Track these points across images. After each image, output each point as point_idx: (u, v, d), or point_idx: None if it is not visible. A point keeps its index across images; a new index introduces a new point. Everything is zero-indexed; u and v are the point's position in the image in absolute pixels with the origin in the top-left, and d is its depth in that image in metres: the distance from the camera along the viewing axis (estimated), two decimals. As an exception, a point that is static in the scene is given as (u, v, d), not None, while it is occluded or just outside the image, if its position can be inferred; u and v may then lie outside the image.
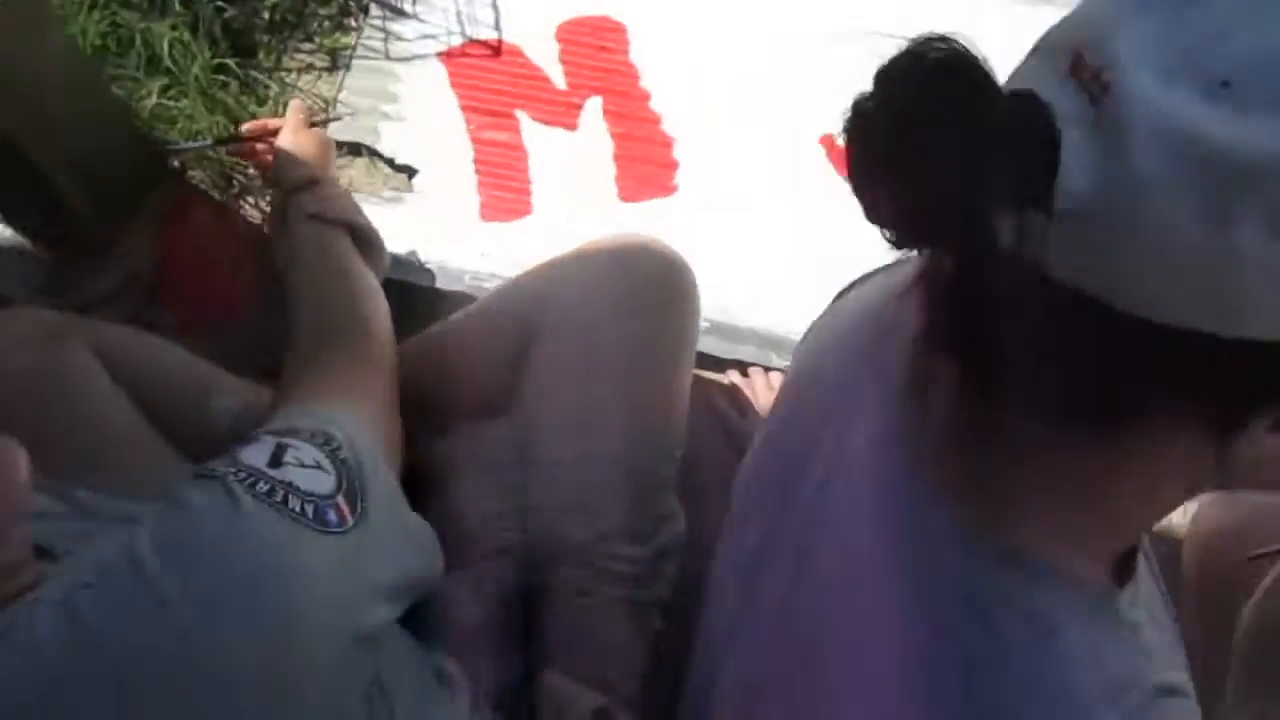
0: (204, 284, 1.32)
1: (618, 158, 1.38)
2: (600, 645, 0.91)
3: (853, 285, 0.76)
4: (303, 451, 0.64)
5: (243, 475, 0.60)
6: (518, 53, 1.45)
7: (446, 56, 1.44)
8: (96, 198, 1.25)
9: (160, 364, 1.05)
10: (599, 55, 1.45)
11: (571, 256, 1.03)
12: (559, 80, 1.43)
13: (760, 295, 1.29)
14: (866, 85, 0.43)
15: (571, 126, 1.40)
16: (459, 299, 1.25)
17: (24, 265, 1.33)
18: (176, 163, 1.36)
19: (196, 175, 1.37)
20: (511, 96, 1.42)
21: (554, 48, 1.45)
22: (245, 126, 1.13)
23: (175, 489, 0.61)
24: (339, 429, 0.68)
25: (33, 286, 1.32)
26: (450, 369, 1.06)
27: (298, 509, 0.59)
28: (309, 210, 0.95)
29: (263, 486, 0.59)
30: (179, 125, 1.31)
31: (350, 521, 0.61)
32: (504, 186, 1.35)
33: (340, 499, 0.62)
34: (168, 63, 1.29)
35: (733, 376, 1.28)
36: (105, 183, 1.26)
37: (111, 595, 0.54)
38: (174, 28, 1.32)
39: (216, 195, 1.36)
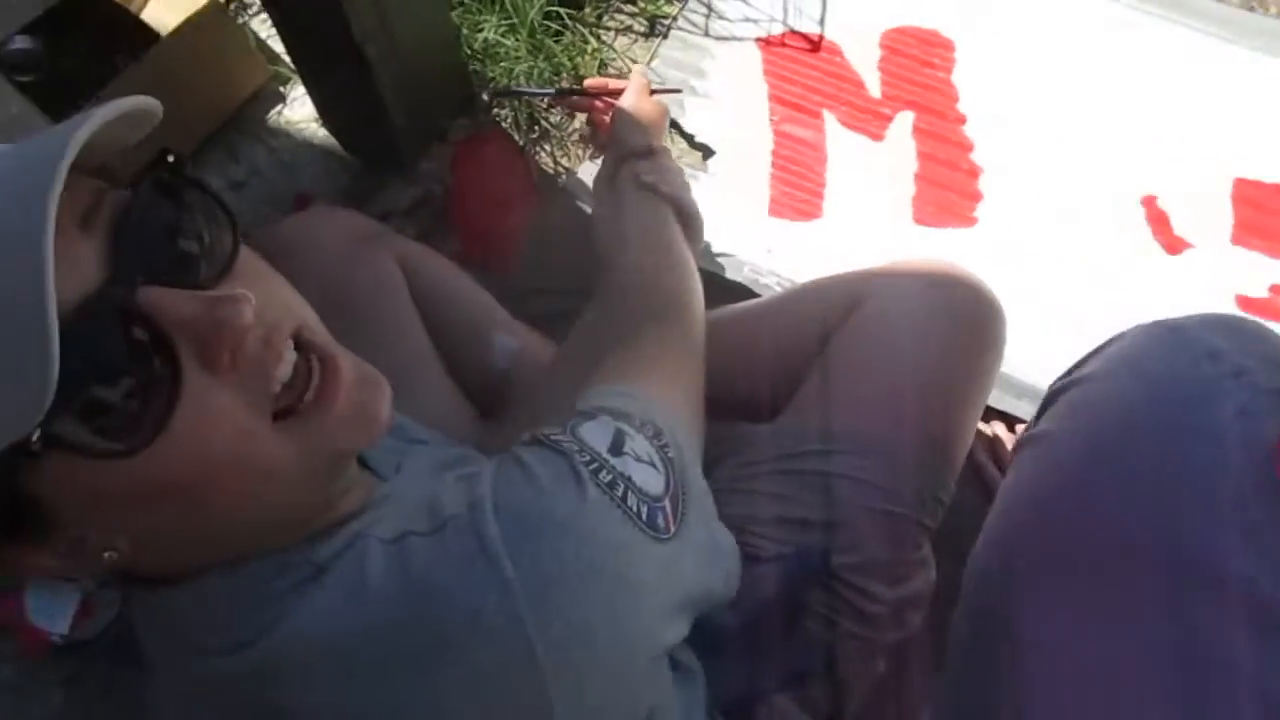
0: (488, 218, 1.35)
1: (919, 178, 1.32)
2: (835, 682, 0.87)
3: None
4: (637, 443, 0.61)
5: (588, 459, 0.57)
6: (836, 51, 1.40)
7: (764, 43, 1.41)
8: (414, 117, 1.30)
9: (454, 289, 1.07)
10: (920, 69, 1.39)
11: (887, 270, 0.98)
12: (874, 87, 1.38)
13: (1045, 354, 1.20)
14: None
15: (878, 137, 1.35)
16: (739, 291, 1.23)
17: (332, 168, 1.40)
18: (485, 96, 1.40)
19: (502, 113, 1.40)
20: (822, 95, 1.38)
21: (875, 53, 1.40)
22: (588, 82, 1.11)
23: (517, 451, 0.59)
24: (662, 420, 0.65)
25: (337, 189, 1.38)
26: (732, 362, 1.04)
27: (634, 509, 0.56)
28: (644, 178, 0.94)
29: (605, 476, 0.56)
30: (503, 63, 1.34)
31: (673, 529, 0.58)
32: (798, 185, 1.32)
33: (667, 503, 0.59)
34: (506, 2, 1.32)
35: (997, 429, 1.21)
36: (425, 105, 1.30)
37: (448, 551, 0.52)
38: (519, -32, 1.35)
39: (516, 135, 1.38)
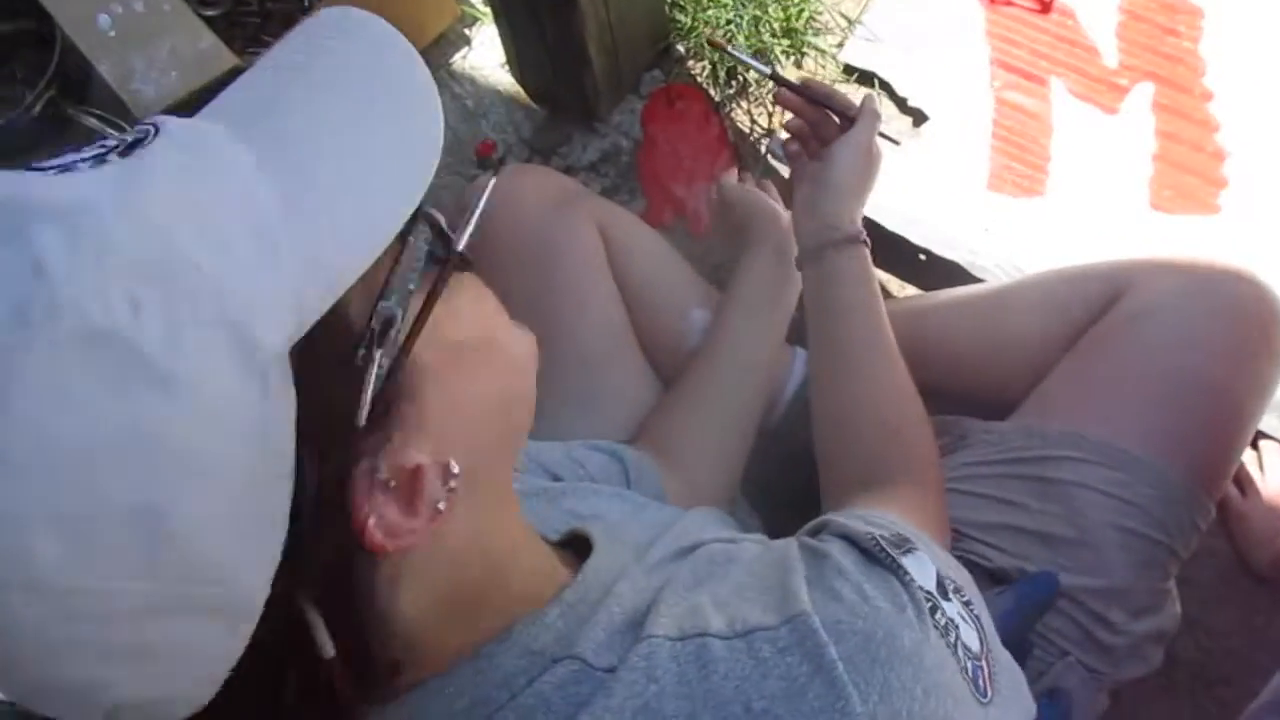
0: (679, 177, 1.28)
1: (1158, 158, 1.20)
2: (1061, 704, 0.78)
3: None
4: (953, 596, 0.52)
5: (924, 594, 0.48)
6: (1070, 14, 1.28)
7: (989, 1, 1.29)
8: (611, 66, 1.23)
9: (653, 258, 1.00)
10: (1164, 38, 1.25)
11: (1152, 262, 0.88)
12: (1110, 55, 1.25)
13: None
14: None
15: (1111, 110, 1.23)
16: (954, 271, 1.13)
17: (515, 116, 1.34)
18: (681, 48, 1.32)
19: (699, 66, 1.32)
20: (1050, 61, 1.25)
21: (1113, 18, 1.27)
22: (810, 83, 0.92)
23: (826, 548, 0.50)
24: (958, 577, 0.56)
25: (520, 138, 1.33)
26: (960, 351, 0.95)
27: (962, 661, 0.48)
28: (843, 264, 0.82)
29: (940, 618, 0.48)
30: (709, 10, 1.25)
31: (990, 694, 0.49)
32: (1019, 158, 1.21)
33: (985, 663, 0.50)
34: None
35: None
36: (623, 53, 1.23)
37: (765, 668, 0.43)
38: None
39: (713, 91, 1.30)
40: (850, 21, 1.30)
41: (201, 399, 0.33)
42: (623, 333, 0.96)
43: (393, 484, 0.40)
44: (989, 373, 0.93)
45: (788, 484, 0.90)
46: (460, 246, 0.44)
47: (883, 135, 0.89)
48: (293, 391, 0.36)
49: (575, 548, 0.56)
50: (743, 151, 1.28)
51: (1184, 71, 1.24)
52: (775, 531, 0.97)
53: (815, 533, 0.56)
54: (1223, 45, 1.25)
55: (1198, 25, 1.26)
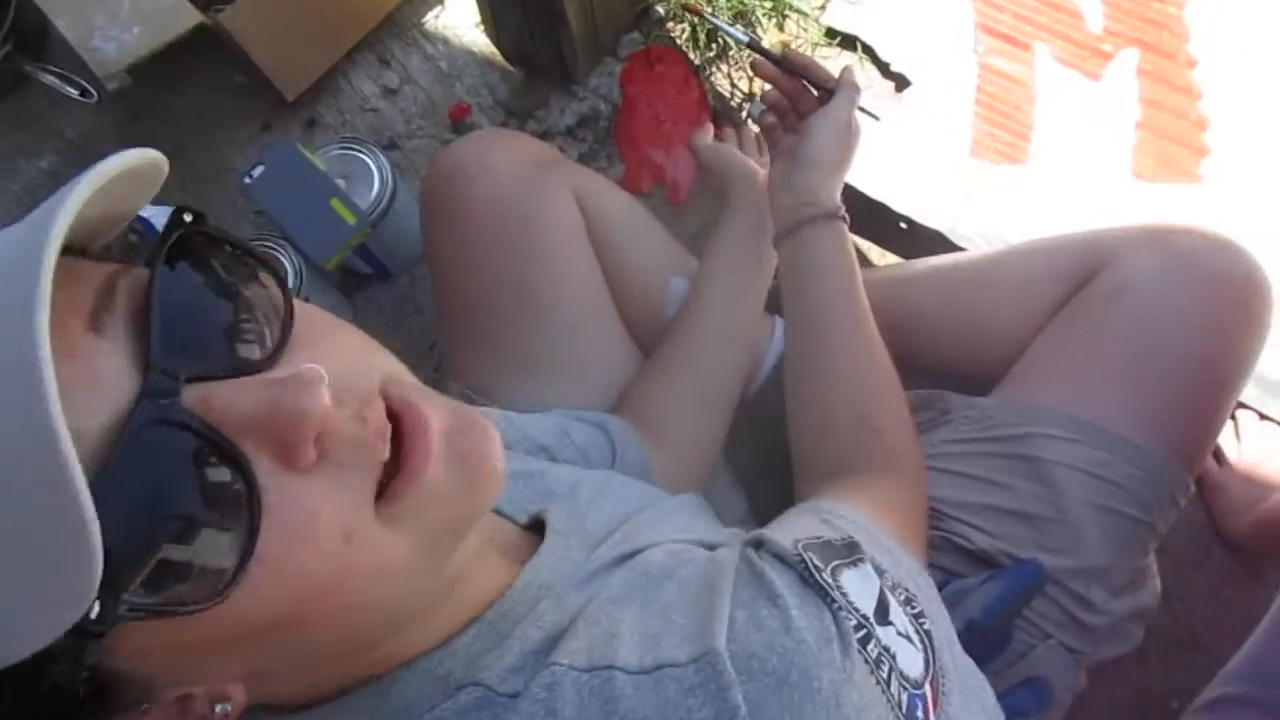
0: (657, 141, 1.26)
1: (1141, 126, 1.19)
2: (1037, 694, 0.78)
3: None
4: (896, 612, 0.50)
5: (855, 621, 0.46)
6: (1054, -22, 1.26)
7: (973, -36, 1.27)
8: (589, 27, 1.20)
9: (632, 227, 0.98)
10: (1149, 3, 1.23)
11: (1131, 231, 0.86)
12: (1094, 20, 1.24)
13: (1274, 335, 1.08)
14: None
15: (1094, 76, 1.21)
16: (936, 239, 1.12)
17: (490, 79, 1.31)
18: (660, 9, 1.29)
19: (678, 28, 1.29)
20: (1035, 26, 1.24)
21: (1098, -18, 1.25)
22: (789, 54, 0.88)
23: (761, 565, 0.48)
24: (912, 584, 0.54)
25: (496, 101, 1.30)
26: (939, 324, 0.94)
27: (896, 696, 0.45)
28: (819, 244, 0.80)
29: (872, 649, 0.45)
30: (689, -29, 1.22)
31: (933, 718, 0.47)
32: (1003, 125, 1.19)
33: (928, 688, 0.48)
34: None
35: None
36: (601, 14, 1.20)
37: (666, 705, 0.40)
38: None
39: (692, 54, 1.28)
40: (833, -18, 1.28)
41: None
42: (603, 303, 0.94)
43: None
44: (969, 346, 0.92)
45: (769, 452, 0.89)
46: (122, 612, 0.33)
47: (862, 109, 0.87)
48: None
49: (540, 530, 0.55)
50: (723, 115, 1.26)
51: (1168, 37, 1.22)
52: (756, 501, 0.97)
53: (757, 545, 0.53)
54: (1207, 11, 1.23)
55: (1184, -10, 1.25)
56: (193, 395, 0.35)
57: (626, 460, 0.79)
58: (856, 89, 0.86)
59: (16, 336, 0.29)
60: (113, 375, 0.34)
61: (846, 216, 0.82)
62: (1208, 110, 1.19)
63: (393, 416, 0.39)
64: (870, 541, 0.54)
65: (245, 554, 0.34)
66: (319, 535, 0.36)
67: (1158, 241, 0.84)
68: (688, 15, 1.27)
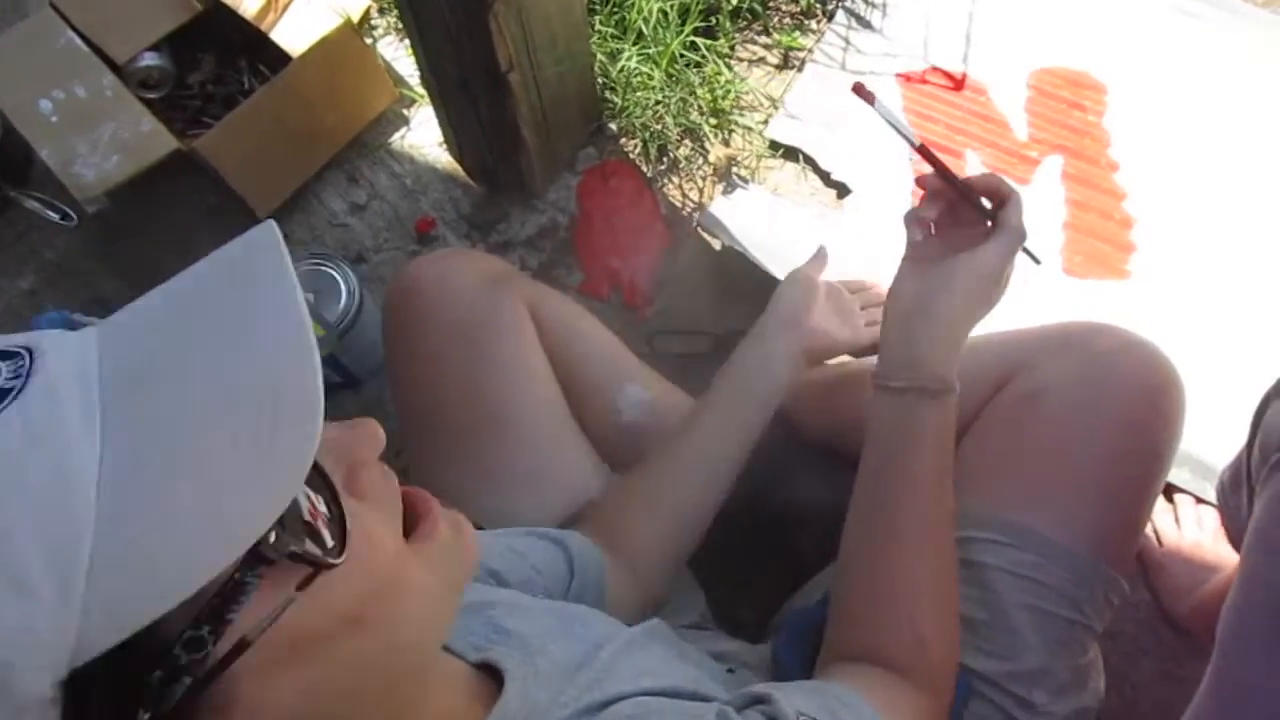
0: (615, 250, 1.32)
1: (1069, 226, 1.26)
2: None
3: None
4: None
5: None
6: (981, 90, 1.35)
7: (905, 79, 1.36)
8: (545, 145, 1.27)
9: (584, 336, 1.01)
10: (1070, 112, 1.32)
11: (1043, 335, 0.90)
12: (1020, 129, 1.32)
13: (1207, 420, 1.12)
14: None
15: (1023, 180, 1.29)
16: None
17: (454, 194, 1.38)
18: (614, 126, 1.37)
19: (630, 145, 1.36)
20: (965, 135, 1.32)
21: (1022, 94, 1.34)
22: (973, 178, 0.79)
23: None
24: None
25: (459, 214, 1.36)
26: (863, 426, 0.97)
27: None
28: (922, 419, 0.75)
29: None
30: (639, 93, 1.30)
31: None
32: (939, 228, 1.26)
33: None
34: (646, 30, 1.29)
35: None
36: (557, 133, 1.28)
37: None
38: (659, -1, 1.32)
39: (645, 167, 1.35)
40: (774, 101, 1.36)
41: None
42: (561, 412, 0.97)
43: None
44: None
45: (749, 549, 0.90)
46: (331, 548, 0.39)
47: (1025, 251, 0.78)
48: None
49: (493, 673, 0.56)
50: (673, 226, 1.32)
51: (1090, 144, 1.31)
52: (719, 602, 0.99)
53: (755, 702, 0.54)
54: (1126, 119, 1.32)
55: (1102, 100, 1.34)
56: None
57: (585, 579, 0.79)
58: (1020, 235, 0.77)
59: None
60: None
61: (958, 387, 0.76)
62: (1132, 209, 1.27)
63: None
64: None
65: (343, 540, 0.40)
66: (380, 544, 0.42)
67: (1069, 343, 0.87)
68: (640, 132, 1.34)
